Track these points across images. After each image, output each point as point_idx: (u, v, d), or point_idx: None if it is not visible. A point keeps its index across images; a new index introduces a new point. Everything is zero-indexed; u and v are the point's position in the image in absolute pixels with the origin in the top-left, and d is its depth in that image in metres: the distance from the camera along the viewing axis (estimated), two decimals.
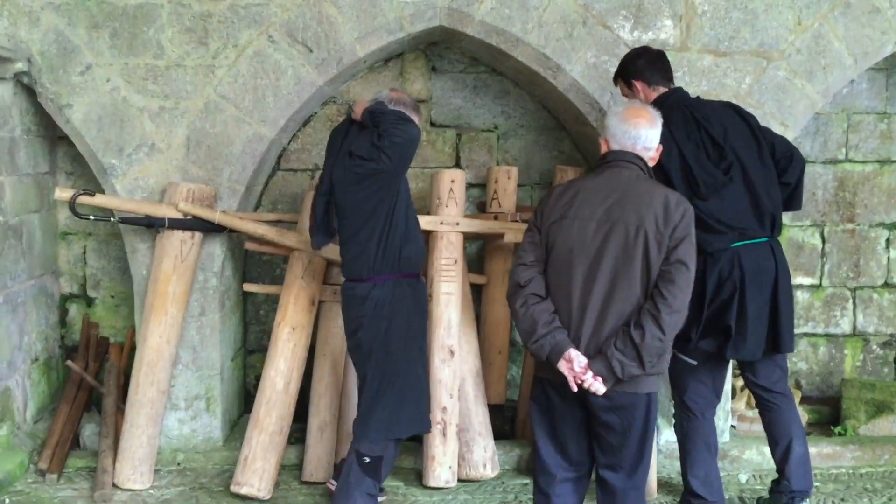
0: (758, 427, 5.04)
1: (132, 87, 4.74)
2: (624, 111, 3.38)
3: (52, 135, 5.24)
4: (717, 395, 4.17)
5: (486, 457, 4.72)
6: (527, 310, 3.25)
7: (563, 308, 3.23)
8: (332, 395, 4.75)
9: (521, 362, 5.37)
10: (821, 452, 4.89)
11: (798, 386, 5.75)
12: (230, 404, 5.22)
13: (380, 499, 4.21)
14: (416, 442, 4.69)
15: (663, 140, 3.67)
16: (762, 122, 4.24)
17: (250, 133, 4.79)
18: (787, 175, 4.12)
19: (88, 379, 5.16)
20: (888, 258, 5.78)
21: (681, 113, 4.01)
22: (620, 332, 3.15)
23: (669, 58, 4.27)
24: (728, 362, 4.20)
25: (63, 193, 4.71)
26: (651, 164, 3.39)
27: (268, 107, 4.78)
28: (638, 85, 4.17)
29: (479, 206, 5.44)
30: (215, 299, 4.92)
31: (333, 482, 4.35)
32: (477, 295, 5.29)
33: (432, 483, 4.55)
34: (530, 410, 3.45)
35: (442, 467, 4.54)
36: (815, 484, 4.51)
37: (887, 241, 5.77)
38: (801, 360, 5.79)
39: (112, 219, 4.78)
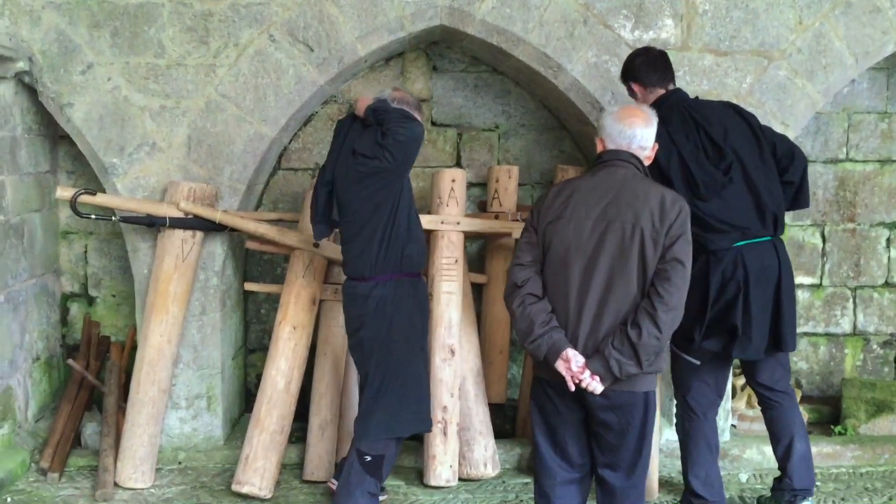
0: (758, 426, 5.06)
1: (133, 86, 4.74)
2: (619, 111, 3.39)
3: (53, 134, 5.25)
4: (720, 395, 4.18)
5: (487, 456, 4.72)
6: (524, 310, 3.25)
7: (560, 308, 3.23)
8: (333, 394, 4.75)
9: (522, 361, 5.37)
10: (821, 452, 4.89)
11: (798, 385, 5.75)
12: (231, 403, 5.23)
13: (381, 498, 4.22)
14: (416, 441, 4.70)
15: (663, 143, 3.67)
16: (763, 122, 4.23)
17: (251, 132, 4.80)
18: (789, 174, 4.11)
19: (90, 378, 5.16)
20: (888, 258, 5.78)
21: (679, 114, 4.02)
22: (618, 331, 3.15)
23: (670, 57, 4.27)
24: (731, 362, 4.20)
25: (64, 192, 4.71)
26: (647, 163, 3.40)
27: (269, 106, 4.78)
28: (635, 87, 4.18)
29: (480, 205, 5.45)
30: (216, 298, 4.92)
31: (334, 481, 4.35)
32: (478, 294, 5.30)
33: (433, 482, 4.56)
34: (531, 411, 3.46)
35: (443, 466, 4.55)
36: (816, 483, 4.51)
37: (888, 240, 5.77)
38: (802, 360, 5.79)
39: (113, 218, 4.78)
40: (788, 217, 5.44)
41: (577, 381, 3.16)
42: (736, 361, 4.53)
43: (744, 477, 4.82)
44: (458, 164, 5.58)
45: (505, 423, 5.32)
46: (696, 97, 4.28)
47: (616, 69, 4.71)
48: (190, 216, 4.65)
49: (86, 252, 5.48)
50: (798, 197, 4.19)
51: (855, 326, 5.81)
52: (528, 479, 4.60)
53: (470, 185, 5.44)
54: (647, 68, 4.15)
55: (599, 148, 3.40)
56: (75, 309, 5.52)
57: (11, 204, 4.76)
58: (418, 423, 4.09)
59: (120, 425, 4.80)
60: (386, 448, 3.99)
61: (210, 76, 4.75)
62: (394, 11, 4.73)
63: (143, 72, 4.74)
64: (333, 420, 4.73)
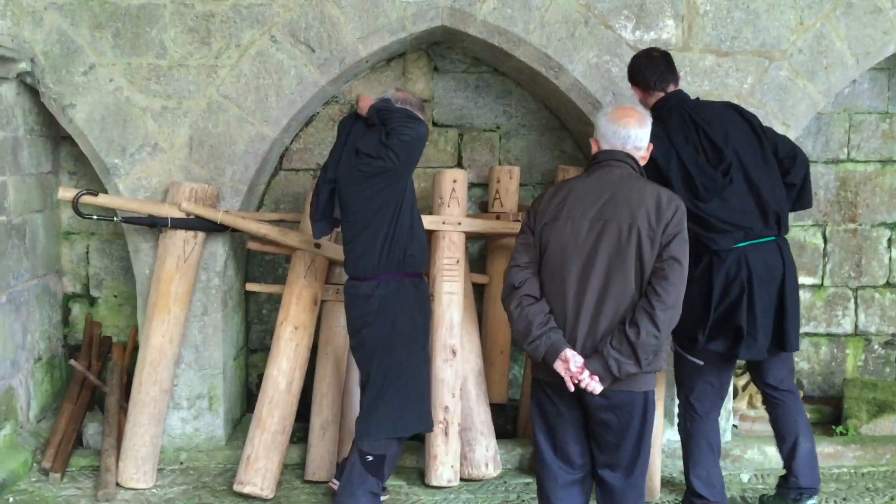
0: (759, 426, 5.07)
1: (135, 86, 4.75)
2: (613, 111, 3.39)
3: (55, 135, 5.25)
4: (722, 395, 4.17)
5: (489, 456, 4.72)
6: (521, 311, 3.25)
7: (558, 308, 3.23)
8: (335, 395, 4.75)
9: (523, 362, 5.37)
10: (822, 452, 4.88)
11: (800, 385, 5.75)
12: (233, 403, 5.23)
13: (382, 498, 4.22)
14: (418, 441, 4.70)
15: (662, 144, 3.67)
16: (764, 123, 4.23)
17: (253, 133, 4.80)
18: (792, 175, 4.11)
19: (91, 378, 5.17)
20: (890, 258, 5.78)
21: (678, 116, 4.02)
22: (616, 331, 3.15)
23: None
24: (735, 363, 4.20)
25: (66, 193, 4.72)
26: (642, 162, 3.40)
27: (270, 106, 4.78)
28: (634, 88, 4.19)
29: (482, 205, 5.45)
30: (218, 299, 4.92)
31: (336, 481, 4.35)
32: (479, 294, 5.30)
33: (435, 482, 4.56)
34: (531, 412, 3.46)
35: (444, 466, 4.55)
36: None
37: (889, 240, 5.77)
38: (803, 360, 5.79)
39: (115, 218, 4.79)
40: (790, 217, 5.45)
41: (576, 382, 3.16)
42: (738, 362, 4.53)
43: (745, 477, 4.82)
44: (460, 165, 5.58)
45: (506, 423, 5.32)
46: (697, 98, 4.29)
47: (617, 69, 4.72)
48: (191, 217, 4.66)
49: (87, 252, 5.49)
50: (801, 198, 4.19)
51: (856, 327, 5.81)
52: (530, 480, 4.60)
53: (471, 185, 5.44)
54: (645, 70, 4.16)
55: (594, 148, 3.41)
56: (77, 309, 5.53)
57: (13, 204, 4.77)
58: (420, 423, 4.09)
59: (122, 425, 4.80)
60: (388, 448, 3.99)
61: (212, 77, 4.75)
62: (395, 12, 4.74)
63: (145, 72, 4.74)
64: (335, 420, 4.74)
